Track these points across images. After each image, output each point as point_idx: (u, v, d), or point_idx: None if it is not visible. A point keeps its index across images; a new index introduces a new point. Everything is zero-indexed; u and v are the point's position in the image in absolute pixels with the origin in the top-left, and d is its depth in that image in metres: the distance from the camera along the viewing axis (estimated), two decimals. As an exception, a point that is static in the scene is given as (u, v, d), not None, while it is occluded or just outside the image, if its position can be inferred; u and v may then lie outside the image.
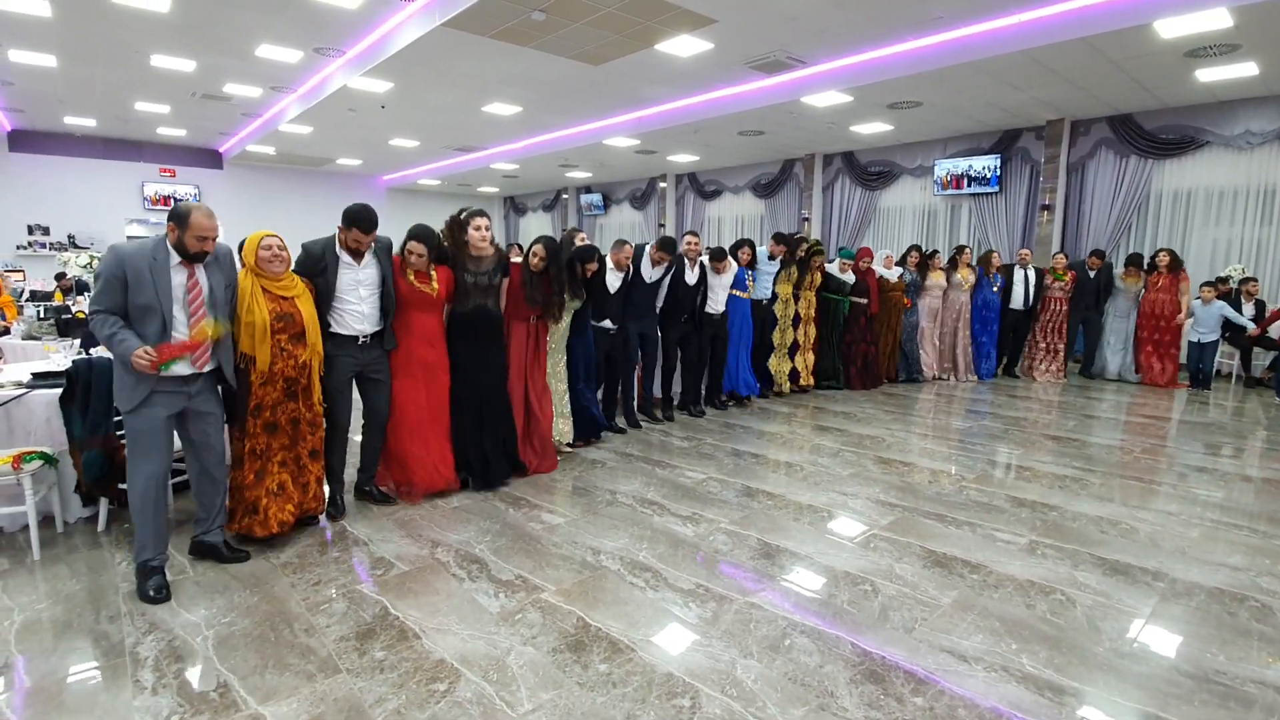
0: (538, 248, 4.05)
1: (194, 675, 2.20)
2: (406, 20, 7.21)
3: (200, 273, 2.72)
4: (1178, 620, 2.61)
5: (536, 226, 19.60)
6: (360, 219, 3.32)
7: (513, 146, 13.56)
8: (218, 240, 2.75)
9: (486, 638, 2.42)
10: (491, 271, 3.86)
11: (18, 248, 13.33)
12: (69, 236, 13.84)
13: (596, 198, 17.28)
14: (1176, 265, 7.50)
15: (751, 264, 6.21)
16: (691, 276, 5.53)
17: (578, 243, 4.83)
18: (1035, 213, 10.07)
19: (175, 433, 2.84)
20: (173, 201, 15.32)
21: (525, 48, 7.46)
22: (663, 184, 15.70)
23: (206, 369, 2.79)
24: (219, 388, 2.92)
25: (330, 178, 17.25)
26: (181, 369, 2.69)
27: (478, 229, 3.80)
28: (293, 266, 3.18)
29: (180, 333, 2.67)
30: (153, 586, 2.66)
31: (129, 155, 14.54)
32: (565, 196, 18.39)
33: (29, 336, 5.30)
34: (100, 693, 2.11)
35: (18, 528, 3.23)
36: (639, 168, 14.84)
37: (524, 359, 4.15)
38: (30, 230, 13.60)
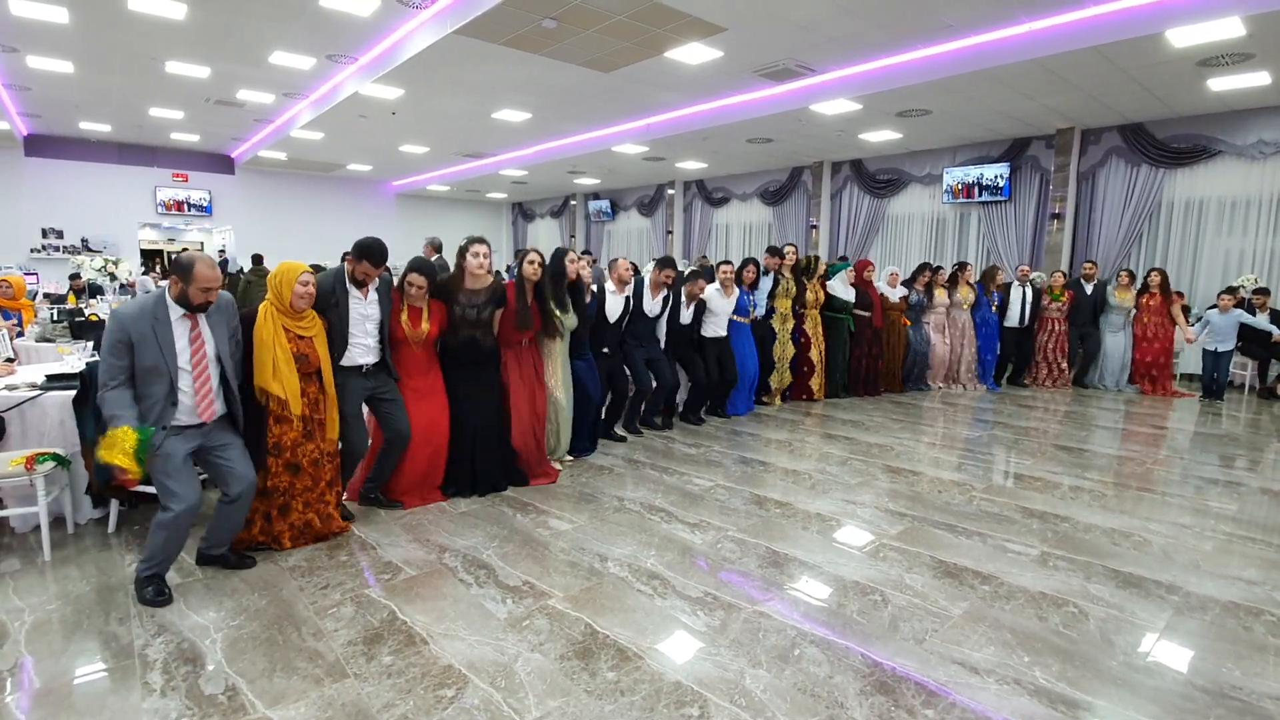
0: (534, 255, 4.05)
1: (203, 678, 2.20)
2: (419, 28, 7.26)
3: (203, 323, 2.71)
4: (1192, 634, 2.57)
5: (544, 232, 19.69)
6: (371, 252, 3.32)
7: (522, 153, 13.63)
8: (219, 291, 2.75)
9: (494, 644, 2.42)
10: (483, 305, 3.86)
11: (31, 251, 13.48)
12: (82, 240, 13.98)
13: (604, 204, 17.33)
14: (1167, 286, 7.51)
15: (755, 284, 6.18)
16: (686, 315, 5.52)
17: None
18: (1045, 222, 10.04)
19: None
20: (186, 206, 15.46)
21: (536, 55, 7.50)
22: (671, 191, 15.73)
23: (216, 417, 2.77)
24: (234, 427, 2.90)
25: (340, 183, 17.37)
26: (188, 419, 2.69)
27: (475, 255, 3.81)
28: None
29: (185, 392, 2.66)
30: (153, 591, 2.67)
31: (143, 160, 14.69)
32: (573, 203, 18.45)
33: (43, 339, 5.34)
34: (109, 694, 2.11)
35: (29, 528, 3.25)
36: (647, 174, 14.88)
37: (527, 380, 4.13)
38: (44, 234, 13.76)
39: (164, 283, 2.74)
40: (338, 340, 3.30)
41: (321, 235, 15.74)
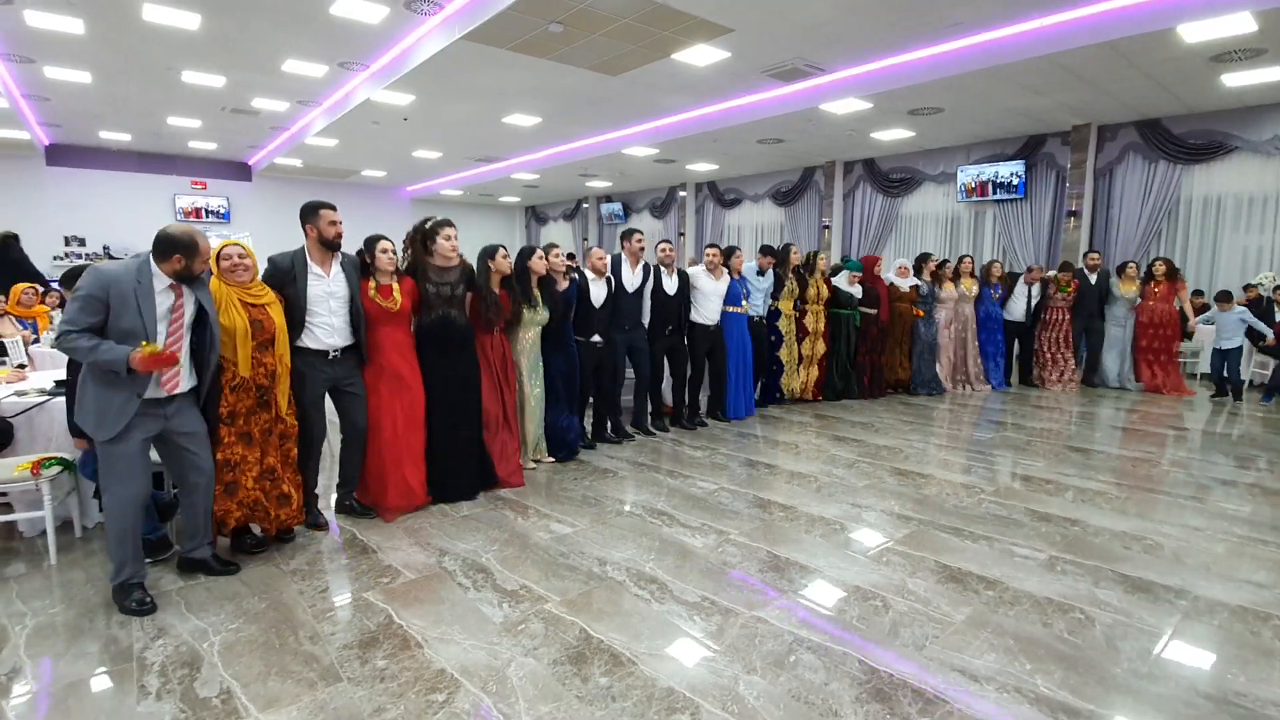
0: (505, 250, 4.11)
1: (199, 681, 2.22)
2: (428, 34, 7.32)
3: (186, 294, 2.68)
4: (1199, 639, 2.52)
5: (558, 235, 19.73)
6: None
7: (533, 156, 13.69)
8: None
9: (488, 648, 2.41)
10: (455, 282, 3.87)
11: (54, 258, 13.73)
12: (104, 247, 14.23)
13: (617, 207, 17.35)
14: (1173, 274, 7.43)
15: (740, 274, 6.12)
16: (670, 285, 5.40)
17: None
18: (1061, 220, 9.89)
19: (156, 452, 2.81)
20: (204, 213, 15.69)
21: (544, 59, 7.53)
22: (682, 193, 15.72)
23: (180, 390, 2.71)
24: (198, 404, 2.85)
25: (356, 189, 17.54)
26: (153, 392, 2.62)
27: (447, 238, 3.83)
28: (261, 278, 3.18)
29: None
30: (135, 600, 2.63)
31: (162, 168, 14.94)
32: (585, 206, 18.49)
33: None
34: (106, 698, 2.13)
35: (37, 532, 3.30)
36: (658, 177, 14.88)
37: (493, 369, 4.13)
38: (67, 241, 14.03)
39: (141, 251, 2.66)
40: (294, 318, 3.26)
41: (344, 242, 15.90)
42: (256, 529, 3.26)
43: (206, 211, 15.72)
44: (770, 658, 2.37)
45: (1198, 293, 8.37)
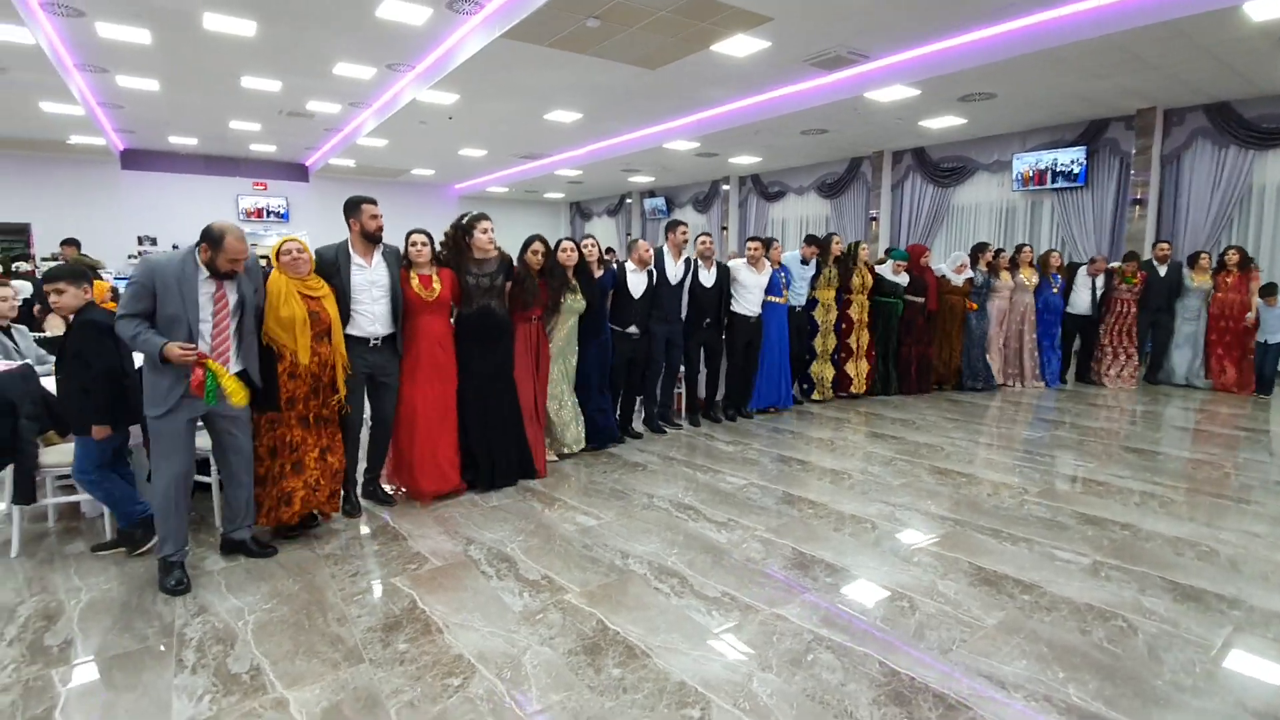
0: (537, 244, 4.18)
1: (231, 658, 2.32)
2: (469, 34, 7.44)
3: (228, 286, 2.86)
4: (1251, 652, 2.36)
5: (601, 230, 19.83)
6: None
7: (576, 152, 13.78)
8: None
9: (506, 636, 2.45)
10: (494, 274, 3.95)
11: (129, 257, 14.54)
12: (173, 246, 14.96)
13: (660, 201, 17.31)
14: (1246, 263, 6.98)
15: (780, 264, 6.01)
16: (708, 278, 5.34)
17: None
18: (1125, 208, 9.41)
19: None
20: (265, 213, 16.35)
21: (582, 55, 7.57)
22: (725, 186, 15.58)
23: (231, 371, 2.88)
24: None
25: (406, 188, 18.00)
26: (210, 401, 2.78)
27: (484, 231, 3.92)
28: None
29: (204, 343, 2.79)
30: (173, 579, 2.78)
31: (226, 170, 15.66)
32: (629, 201, 18.52)
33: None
34: (144, 670, 2.25)
35: (97, 514, 3.50)
36: (701, 170, 14.78)
37: (528, 359, 4.18)
38: (140, 241, 14.85)
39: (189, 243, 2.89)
40: (342, 305, 3.41)
41: (392, 238, 16.34)
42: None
43: (267, 211, 16.39)
44: (787, 656, 2.34)
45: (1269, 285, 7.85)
